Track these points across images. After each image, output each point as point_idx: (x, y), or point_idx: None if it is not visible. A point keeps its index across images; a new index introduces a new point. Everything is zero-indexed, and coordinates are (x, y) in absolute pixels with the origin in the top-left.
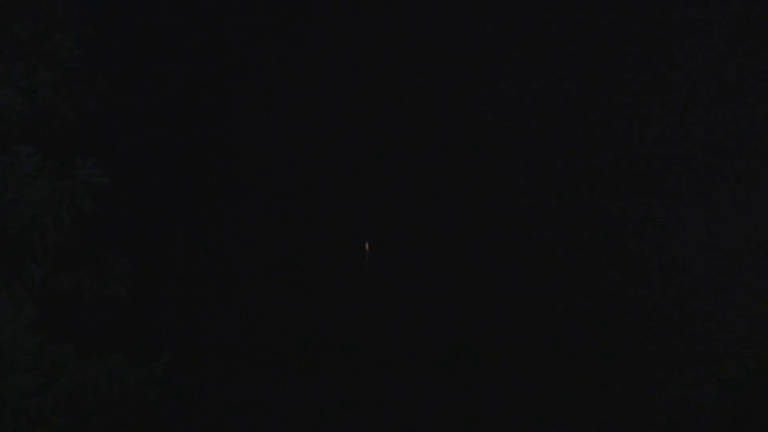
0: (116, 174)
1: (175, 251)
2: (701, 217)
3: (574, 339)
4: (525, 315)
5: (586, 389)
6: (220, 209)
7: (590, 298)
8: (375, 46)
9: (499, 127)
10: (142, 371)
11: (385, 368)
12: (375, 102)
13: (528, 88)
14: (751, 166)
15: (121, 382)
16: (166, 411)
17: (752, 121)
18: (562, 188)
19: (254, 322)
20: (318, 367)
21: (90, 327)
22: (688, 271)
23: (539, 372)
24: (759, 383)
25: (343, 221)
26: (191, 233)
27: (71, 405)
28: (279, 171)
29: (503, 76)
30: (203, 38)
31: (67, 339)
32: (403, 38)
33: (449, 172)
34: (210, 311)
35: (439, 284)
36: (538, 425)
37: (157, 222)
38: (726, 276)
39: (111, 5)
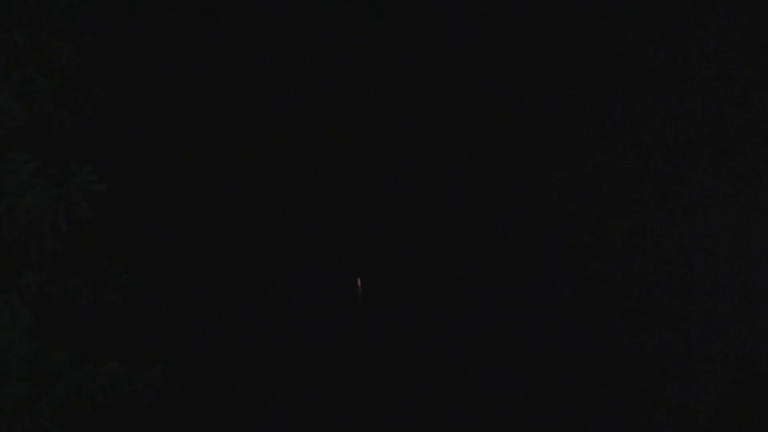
0: (113, 180)
1: (172, 258)
2: (706, 223)
3: (573, 345)
4: (525, 318)
5: (585, 396)
6: (217, 216)
7: (590, 305)
8: (377, 48)
9: (501, 130)
10: (138, 379)
11: (384, 374)
12: (376, 114)
13: (530, 89)
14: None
15: (117, 389)
16: (162, 419)
17: None
18: (566, 192)
19: (251, 329)
20: (316, 373)
21: (86, 334)
22: (690, 279)
23: (539, 377)
24: (758, 395)
25: (340, 228)
26: (188, 240)
27: (67, 412)
28: (277, 178)
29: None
30: (201, 45)
31: (63, 346)
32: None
33: (454, 168)
34: (206, 318)
35: (441, 284)
36: (537, 429)
37: (153, 229)
38: (729, 285)
39: (109, 13)
